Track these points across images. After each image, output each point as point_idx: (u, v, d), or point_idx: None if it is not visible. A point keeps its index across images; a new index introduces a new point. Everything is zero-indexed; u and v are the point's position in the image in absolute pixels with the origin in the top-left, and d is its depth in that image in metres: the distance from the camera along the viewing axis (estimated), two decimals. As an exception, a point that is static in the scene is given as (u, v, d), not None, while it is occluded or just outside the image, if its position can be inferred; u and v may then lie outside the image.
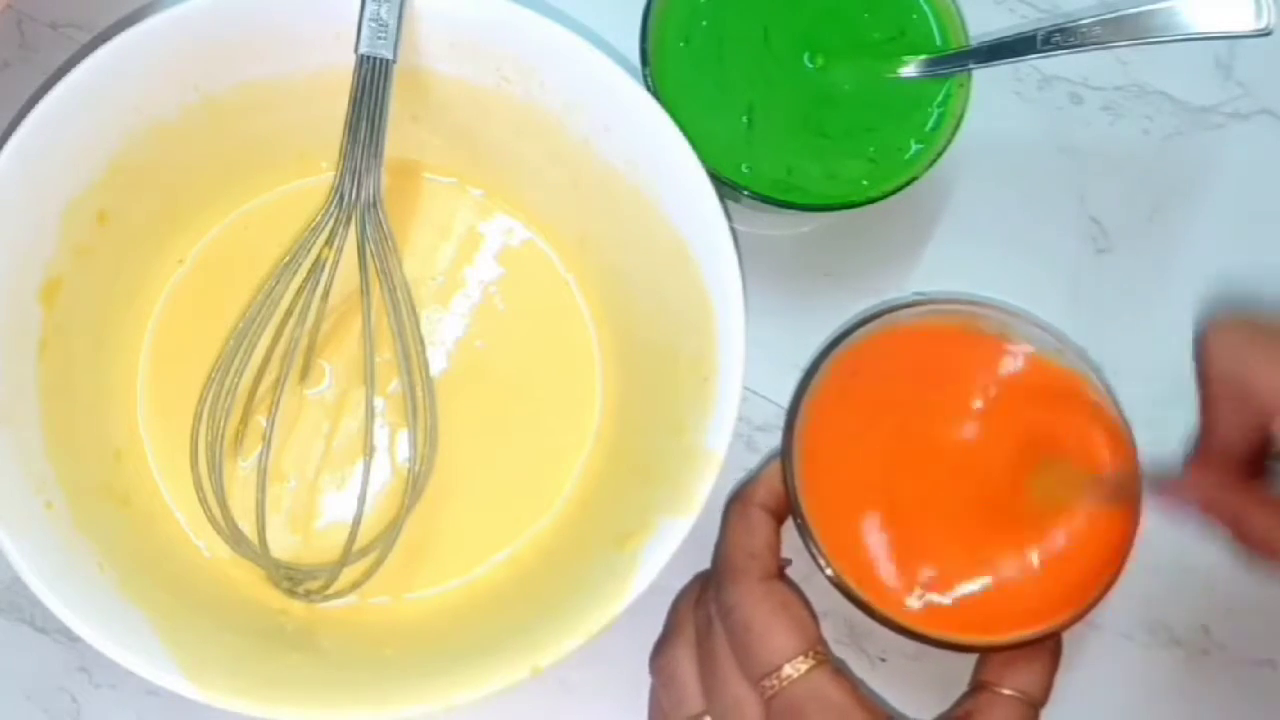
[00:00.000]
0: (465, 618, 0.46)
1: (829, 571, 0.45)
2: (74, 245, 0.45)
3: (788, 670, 0.42)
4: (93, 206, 0.45)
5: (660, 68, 0.48)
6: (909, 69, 0.48)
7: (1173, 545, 0.51)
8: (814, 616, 0.45)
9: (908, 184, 0.47)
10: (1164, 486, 0.43)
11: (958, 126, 0.48)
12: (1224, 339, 0.41)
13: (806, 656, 0.43)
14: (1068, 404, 0.47)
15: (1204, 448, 0.42)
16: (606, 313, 0.49)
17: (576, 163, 0.47)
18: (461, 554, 0.48)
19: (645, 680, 0.47)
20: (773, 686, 0.42)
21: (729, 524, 0.46)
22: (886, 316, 0.47)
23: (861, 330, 0.47)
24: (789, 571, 0.46)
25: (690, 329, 0.45)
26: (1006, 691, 0.45)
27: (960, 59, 0.48)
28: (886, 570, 0.45)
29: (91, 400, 0.47)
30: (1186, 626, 0.51)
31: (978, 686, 0.46)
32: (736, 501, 0.47)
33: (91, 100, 0.43)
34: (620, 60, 0.45)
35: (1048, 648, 0.45)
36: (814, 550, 0.45)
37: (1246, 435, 0.41)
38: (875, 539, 0.46)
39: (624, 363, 0.49)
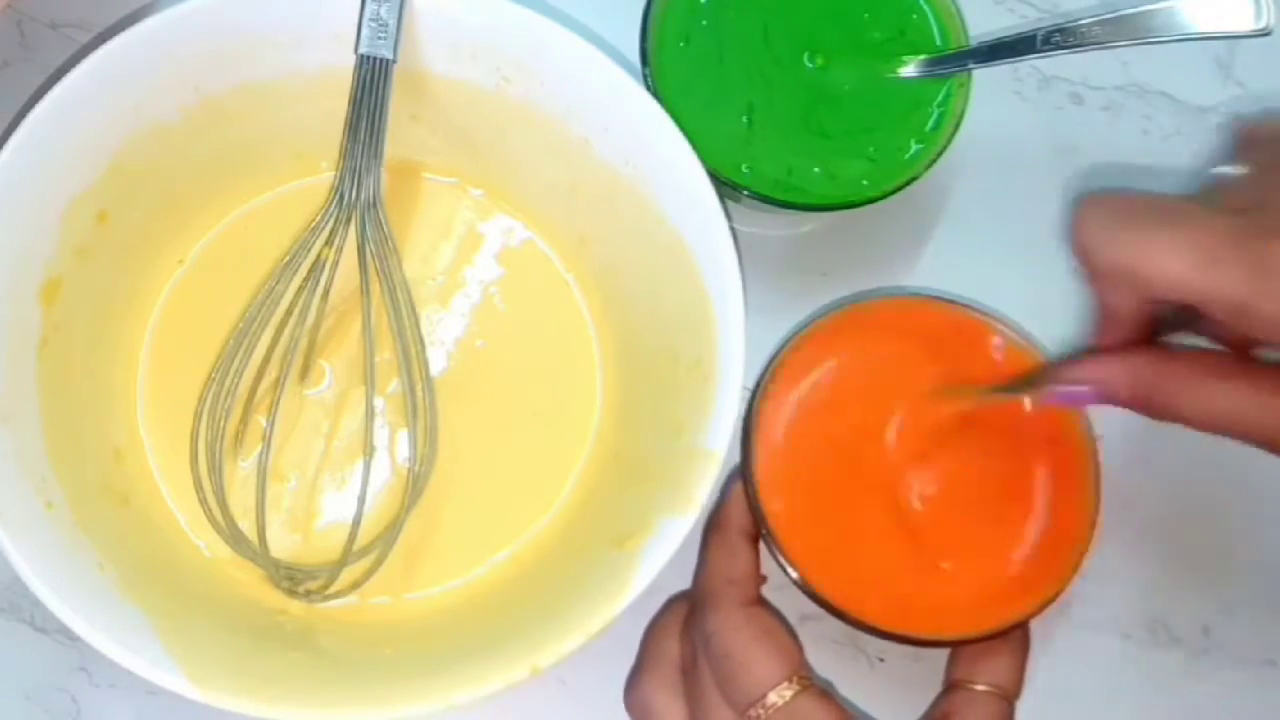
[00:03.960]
0: (465, 618, 0.46)
1: (794, 574, 0.45)
2: (74, 245, 0.45)
3: (772, 698, 0.42)
4: (93, 206, 0.45)
5: (660, 68, 0.48)
6: (909, 69, 0.48)
7: (1170, 542, 0.51)
8: (796, 640, 0.44)
9: (907, 184, 0.47)
10: (1066, 368, 0.44)
11: (957, 126, 0.48)
12: (1091, 224, 0.41)
13: (791, 682, 0.42)
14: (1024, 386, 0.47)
15: (1100, 330, 0.44)
16: (606, 313, 0.49)
17: (576, 163, 0.47)
18: (461, 554, 0.48)
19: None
20: (758, 716, 0.42)
21: (709, 551, 0.46)
22: (827, 316, 0.48)
23: (803, 332, 0.47)
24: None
25: (690, 329, 0.45)
26: (980, 687, 0.45)
27: (960, 59, 0.48)
28: (852, 570, 0.45)
29: (91, 400, 0.47)
30: (1186, 626, 0.51)
31: (951, 685, 0.46)
32: (715, 529, 0.46)
33: (91, 100, 0.43)
34: (620, 60, 0.45)
35: (1015, 638, 0.45)
36: (777, 554, 0.45)
37: (1135, 312, 0.42)
38: (837, 539, 0.46)
39: (624, 362, 0.49)
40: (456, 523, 0.48)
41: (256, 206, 0.50)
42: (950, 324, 0.48)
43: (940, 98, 0.48)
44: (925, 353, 0.47)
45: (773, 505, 0.45)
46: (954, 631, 0.45)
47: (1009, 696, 0.45)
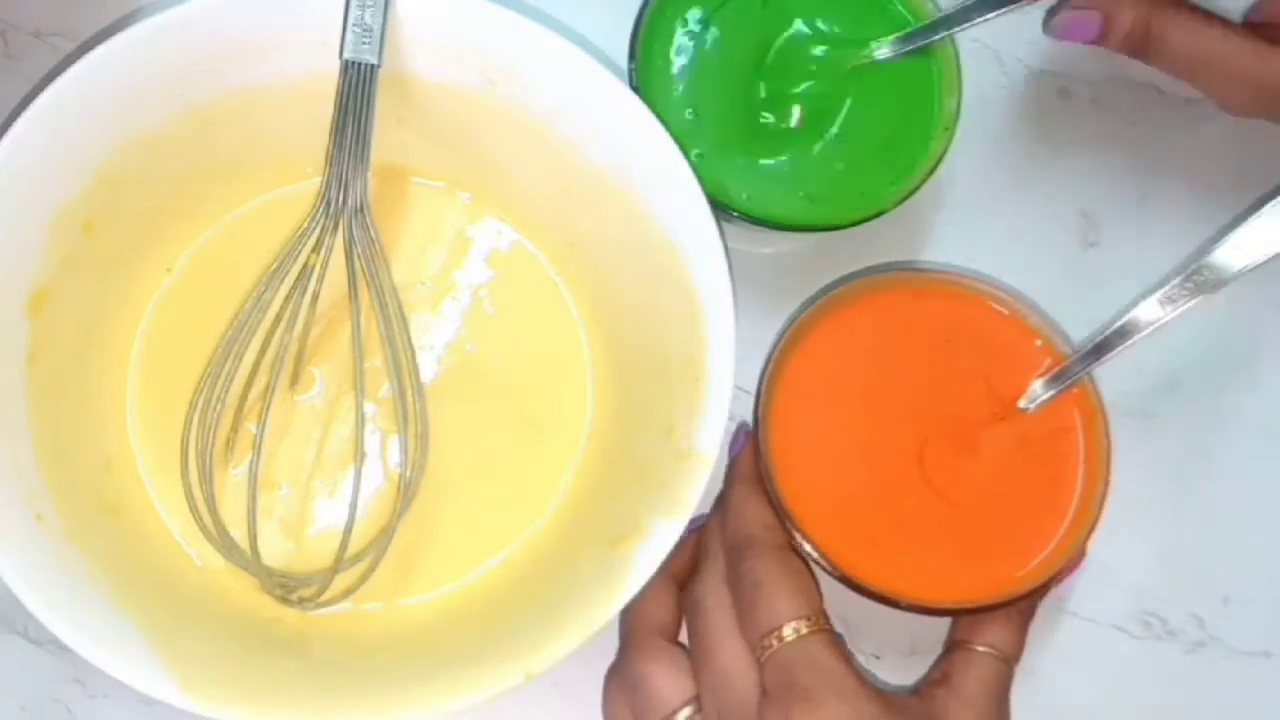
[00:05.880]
0: (458, 623, 0.46)
1: (806, 547, 0.45)
2: (61, 256, 0.45)
3: (787, 631, 0.43)
4: (79, 216, 0.45)
5: (649, 81, 0.47)
6: (884, 50, 0.48)
7: (1165, 536, 0.51)
8: (819, 590, 0.45)
9: (900, 202, 0.47)
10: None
11: (948, 142, 0.47)
12: None
13: (808, 621, 0.43)
14: (1028, 357, 0.47)
15: None
16: (596, 315, 0.49)
17: (564, 165, 0.47)
18: (454, 559, 0.48)
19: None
20: (769, 646, 0.43)
21: (738, 502, 0.46)
22: (841, 288, 0.48)
23: (818, 303, 0.47)
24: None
25: (680, 331, 0.45)
26: (980, 648, 0.45)
27: (934, 28, 0.47)
28: (858, 535, 0.46)
29: (81, 411, 0.46)
30: (1180, 619, 0.51)
31: (953, 645, 0.46)
32: (739, 480, 0.47)
33: (76, 109, 0.43)
34: (606, 62, 0.45)
35: (1018, 604, 0.46)
36: (787, 521, 0.45)
37: None
38: (846, 505, 0.46)
39: (615, 365, 0.49)
40: (449, 528, 0.48)
41: (243, 213, 0.50)
42: (961, 293, 0.48)
43: (930, 117, 0.48)
44: (941, 326, 0.48)
45: (782, 470, 0.46)
46: (961, 600, 0.45)
47: (1009, 659, 0.45)
